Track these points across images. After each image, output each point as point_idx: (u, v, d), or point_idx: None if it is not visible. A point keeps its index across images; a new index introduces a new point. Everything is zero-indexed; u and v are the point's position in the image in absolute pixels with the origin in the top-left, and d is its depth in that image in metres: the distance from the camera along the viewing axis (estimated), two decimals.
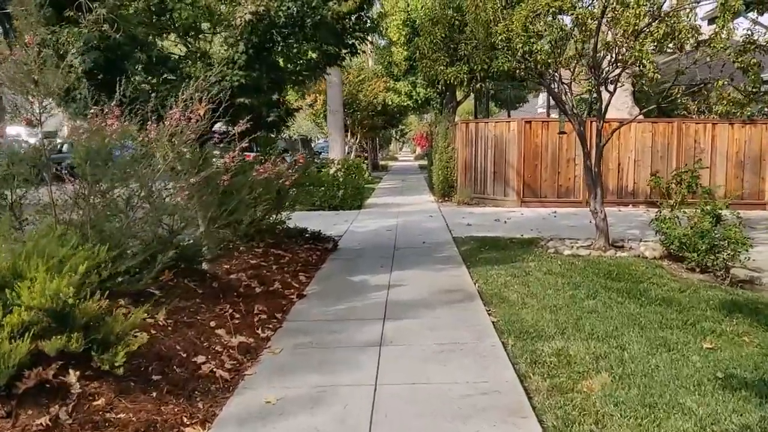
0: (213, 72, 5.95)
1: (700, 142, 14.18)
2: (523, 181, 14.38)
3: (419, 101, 26.52)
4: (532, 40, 7.39)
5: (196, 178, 5.28)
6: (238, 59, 6.01)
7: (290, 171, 6.30)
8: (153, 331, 4.41)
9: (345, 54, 7.00)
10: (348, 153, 24.21)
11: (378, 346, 4.75)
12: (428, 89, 26.41)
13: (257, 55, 6.11)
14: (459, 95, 30.68)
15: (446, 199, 16.08)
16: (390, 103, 26.24)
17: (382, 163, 43.53)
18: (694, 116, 15.28)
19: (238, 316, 5.27)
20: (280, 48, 6.40)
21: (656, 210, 14.13)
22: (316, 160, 20.79)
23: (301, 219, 12.81)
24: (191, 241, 5.77)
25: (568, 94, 9.09)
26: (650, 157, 14.26)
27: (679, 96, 9.25)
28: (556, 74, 8.48)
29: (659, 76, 7.55)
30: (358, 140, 26.05)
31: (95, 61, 4.80)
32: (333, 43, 6.61)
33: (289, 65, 6.66)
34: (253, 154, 16.47)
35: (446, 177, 16.01)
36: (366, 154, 35.91)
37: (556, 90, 8.81)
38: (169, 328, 4.58)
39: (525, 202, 14.38)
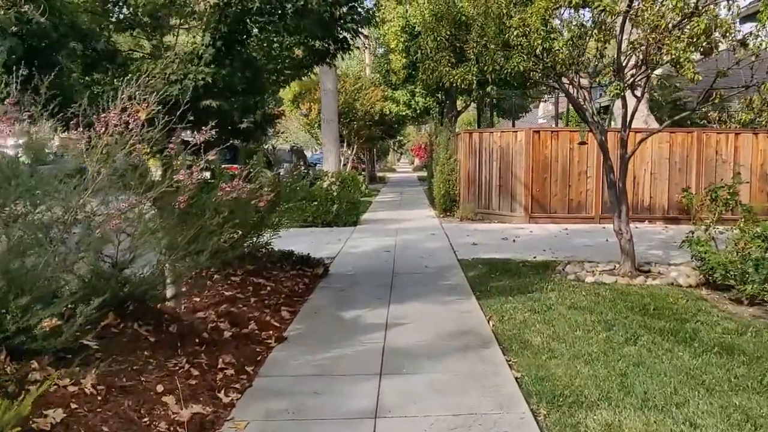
0: (171, 68, 4.92)
1: (721, 154, 13.16)
2: (531, 195, 13.33)
3: (418, 111, 25.54)
4: (552, 36, 6.36)
5: (141, 198, 4.22)
6: (203, 53, 4.96)
7: (268, 189, 5.20)
8: (74, 404, 3.34)
9: (335, 50, 5.97)
10: (344, 164, 23.19)
11: (373, 418, 3.67)
12: (428, 98, 25.46)
13: (227, 49, 5.07)
14: (459, 105, 29.78)
15: (448, 214, 15.02)
16: (388, 112, 25.25)
17: (379, 174, 42.56)
18: (714, 125, 14.30)
19: (196, 373, 4.18)
20: (256, 41, 5.37)
21: (672, 226, 13.26)
22: (309, 173, 19.77)
23: (291, 237, 11.73)
24: (148, 274, 4.69)
25: (588, 100, 8.08)
26: (668, 169, 13.23)
27: (701, 106, 8.25)
28: (576, 77, 7.45)
29: (700, 77, 6.51)
30: (354, 151, 25.03)
31: (11, 50, 3.76)
32: (320, 36, 5.58)
33: (268, 63, 5.61)
34: (242, 165, 15.45)
35: (448, 190, 14.97)
36: (363, 166, 34.94)
37: (575, 95, 7.77)
38: (99, 398, 3.50)
39: (533, 218, 13.33)
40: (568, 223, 13.12)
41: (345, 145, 22.77)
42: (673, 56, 6.28)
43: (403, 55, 23.79)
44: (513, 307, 6.17)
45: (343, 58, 6.35)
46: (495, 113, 22.77)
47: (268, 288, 6.71)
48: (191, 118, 4.71)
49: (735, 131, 12.98)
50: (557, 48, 6.43)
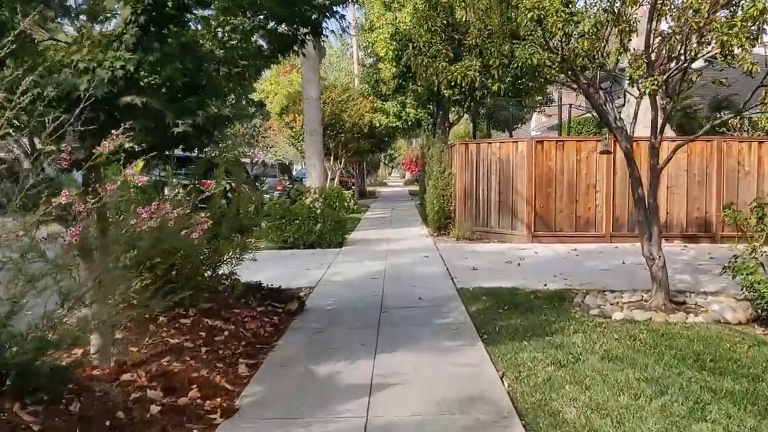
0: (80, 54, 3.65)
1: (744, 164, 11.97)
2: (534, 212, 12.09)
3: (409, 122, 24.34)
4: (575, 19, 5.15)
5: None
6: (125, 33, 3.69)
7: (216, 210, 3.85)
8: None
9: (304, 36, 4.73)
10: (331, 179, 21.93)
11: None
12: (419, 110, 24.28)
13: (158, 30, 3.80)
14: (451, 117, 28.63)
15: (443, 232, 13.76)
16: (377, 124, 24.04)
17: (370, 189, 41.33)
18: (735, 134, 13.18)
19: None
20: (198, 21, 4.14)
21: (692, 245, 12.06)
22: (295, 187, 18.49)
23: (267, 261, 10.45)
24: (32, 333, 3.38)
25: (608, 101, 6.87)
26: (686, 182, 12.03)
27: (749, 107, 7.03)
28: (598, 73, 6.24)
29: (758, 69, 5.30)
30: (342, 165, 23.77)
31: None
32: (284, 16, 4.35)
33: (218, 49, 4.35)
34: (213, 182, 14.14)
35: (442, 207, 13.72)
36: (353, 180, 33.70)
37: (595, 95, 6.55)
38: None
39: (537, 237, 12.08)
40: (576, 242, 11.88)
41: (332, 158, 21.52)
42: (726, 44, 5.06)
43: (393, 63, 22.63)
44: (531, 358, 4.89)
45: (316, 46, 5.10)
46: (489, 124, 21.61)
47: (226, 333, 5.40)
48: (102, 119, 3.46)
49: (759, 139, 11.84)
50: (582, 33, 5.21)
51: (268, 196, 17.89)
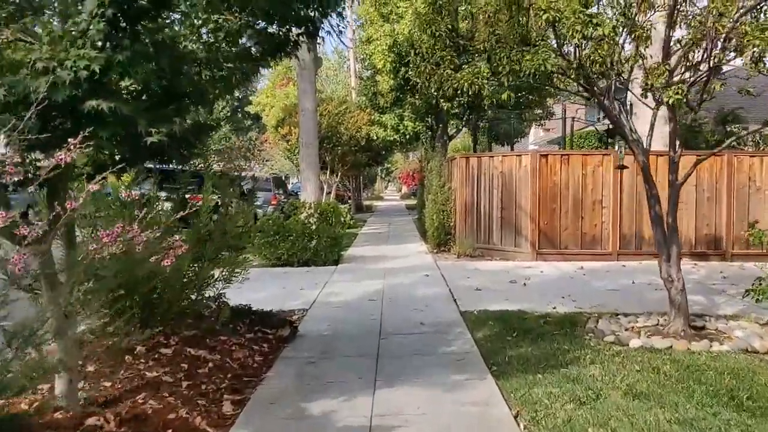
0: (38, 53, 3.20)
1: (755, 180, 11.55)
2: (538, 228, 11.63)
3: (407, 135, 23.96)
4: (594, 21, 4.71)
5: None
6: (92, 29, 3.24)
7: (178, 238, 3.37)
8: None
9: (297, 37, 4.28)
10: (327, 193, 21.47)
11: None
12: (417, 123, 23.89)
13: (129, 26, 3.35)
14: (450, 130, 28.24)
15: (442, 249, 13.28)
16: (375, 137, 23.63)
17: (366, 203, 40.90)
18: (746, 148, 12.78)
19: None
20: (178, 16, 3.69)
21: (702, 263, 11.58)
22: (290, 202, 18.00)
23: (260, 279, 9.95)
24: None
25: (623, 112, 6.44)
26: (695, 198, 11.60)
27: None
28: (615, 81, 5.81)
29: None
30: (339, 178, 23.32)
31: None
32: (275, 13, 3.91)
33: (200, 50, 3.90)
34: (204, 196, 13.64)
35: (442, 222, 13.25)
36: (350, 194, 33.27)
37: (610, 106, 6.12)
38: None
39: (541, 255, 11.61)
40: (582, 260, 11.42)
41: (328, 171, 21.07)
42: (758, 49, 4.63)
43: (391, 76, 22.25)
44: (547, 394, 4.41)
45: (311, 48, 4.67)
46: (490, 138, 21.25)
47: (210, 364, 4.90)
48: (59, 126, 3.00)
49: None
50: (600, 37, 4.77)
51: (261, 211, 17.42)
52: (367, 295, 8.42)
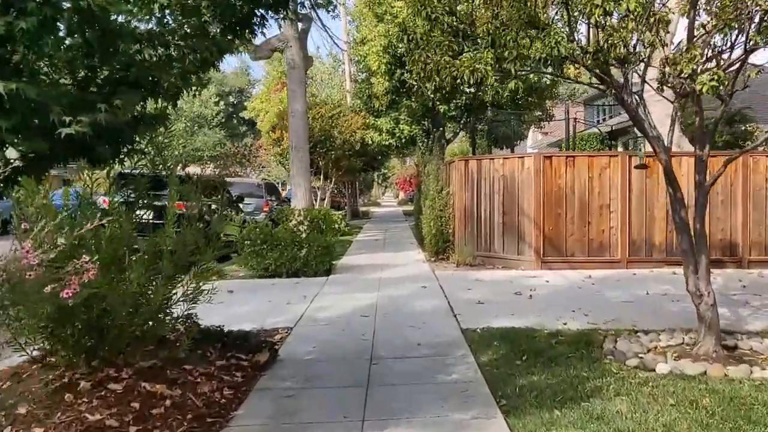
0: None
1: None
2: (542, 234, 10.91)
3: (403, 139, 23.28)
4: None
5: None
6: None
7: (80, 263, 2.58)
8: None
9: (267, 9, 3.56)
10: (322, 199, 20.75)
11: None
12: (413, 126, 23.21)
13: None
14: (447, 133, 27.54)
15: (441, 257, 12.55)
16: (370, 141, 22.94)
17: (363, 209, 40.16)
18: (762, 148, 12.09)
19: None
20: None
21: (717, 270, 10.78)
22: (282, 208, 17.26)
23: (245, 292, 9.22)
24: None
25: (642, 107, 5.74)
26: (708, 201, 10.85)
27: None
28: (635, 68, 5.11)
29: None
30: (333, 184, 22.60)
31: None
32: None
33: (142, 22, 3.17)
34: (188, 204, 12.88)
35: (440, 229, 12.53)
36: (345, 200, 32.57)
37: (628, 99, 5.41)
38: None
39: (546, 263, 10.88)
40: (589, 268, 10.70)
41: (322, 177, 20.35)
42: None
43: (386, 78, 21.57)
44: None
45: (280, 26, 3.92)
46: (490, 140, 20.59)
47: (168, 402, 4.15)
48: None
49: None
50: (625, 12, 4.06)
51: (252, 218, 16.67)
52: (359, 309, 7.69)
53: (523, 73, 5.00)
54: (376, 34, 20.83)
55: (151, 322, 4.49)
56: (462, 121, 24.76)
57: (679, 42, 5.68)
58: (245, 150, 47.21)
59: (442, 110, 22.55)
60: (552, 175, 10.91)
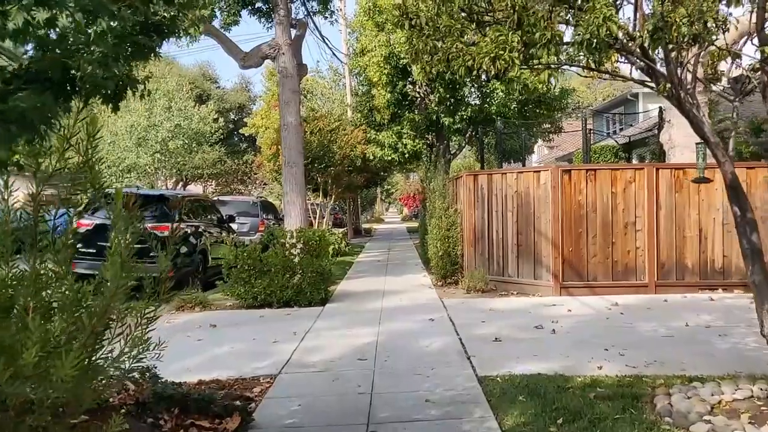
0: None
1: None
2: (561, 256, 9.82)
3: (406, 154, 22.25)
4: None
5: None
6: None
7: None
8: None
9: (166, 28, 2.57)
10: (321, 218, 19.70)
11: None
12: (416, 140, 22.20)
13: None
14: (452, 147, 26.53)
15: (449, 281, 11.47)
16: (372, 157, 21.92)
17: (366, 226, 39.14)
18: None
19: None
20: None
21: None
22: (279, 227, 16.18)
23: (227, 326, 8.11)
24: None
25: (696, 107, 4.67)
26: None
27: None
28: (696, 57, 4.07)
29: None
30: (332, 201, 21.56)
31: None
32: None
33: None
34: (177, 224, 11.86)
35: (447, 251, 11.45)
36: (345, 217, 31.57)
37: (685, 98, 4.35)
38: None
39: (566, 288, 9.79)
40: (614, 293, 9.60)
41: (321, 194, 19.32)
42: None
43: (388, 89, 20.64)
44: None
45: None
46: (500, 154, 19.53)
47: None
48: None
49: None
50: None
51: (248, 238, 15.60)
52: (357, 350, 6.59)
53: (555, 66, 3.93)
54: (377, 44, 19.92)
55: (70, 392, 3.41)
56: (467, 135, 23.77)
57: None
58: (246, 167, 46.29)
59: (446, 123, 21.56)
60: (571, 191, 9.84)
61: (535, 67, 3.85)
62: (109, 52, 2.63)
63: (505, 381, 5.30)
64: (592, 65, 4.09)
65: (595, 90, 73.67)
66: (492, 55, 3.48)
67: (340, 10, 26.39)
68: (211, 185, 50.94)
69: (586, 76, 4.51)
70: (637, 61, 4.22)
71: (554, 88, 21.99)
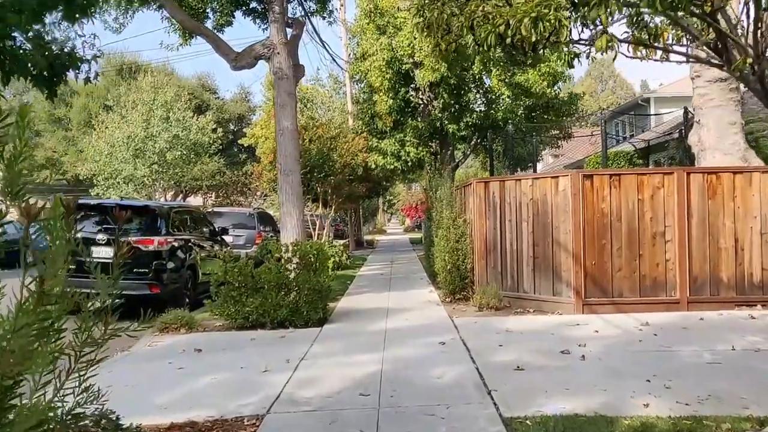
0: None
1: None
2: (583, 270, 8.92)
3: (409, 162, 21.44)
4: None
5: None
6: None
7: None
8: None
9: None
10: (320, 229, 18.81)
11: None
12: (420, 148, 21.38)
13: None
14: (457, 156, 25.68)
15: (458, 297, 10.57)
16: (373, 165, 21.08)
17: (368, 237, 38.24)
18: None
19: None
20: None
21: None
22: (269, 239, 15.30)
23: (213, 351, 7.23)
24: None
25: None
26: None
27: None
28: None
29: None
30: (334, 212, 20.68)
31: None
32: None
33: None
34: (164, 238, 10.98)
35: (456, 264, 10.56)
36: (347, 229, 30.70)
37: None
38: None
39: (589, 305, 8.89)
40: (641, 311, 8.70)
41: (321, 205, 18.45)
42: None
43: (390, 95, 19.85)
44: None
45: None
46: (508, 161, 18.75)
47: None
48: None
49: None
50: None
51: (244, 252, 14.71)
52: (357, 382, 5.69)
53: (608, 39, 3.05)
54: (378, 47, 19.14)
55: None
56: (472, 142, 22.94)
57: None
58: (245, 179, 45.45)
59: (450, 130, 20.74)
60: (594, 198, 8.96)
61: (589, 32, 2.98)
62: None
63: (537, 424, 4.40)
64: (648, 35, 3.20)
65: (598, 98, 73.00)
66: (533, 14, 2.61)
67: (340, 7, 25.61)
68: (210, 197, 50.16)
69: (635, 57, 3.63)
70: (705, 34, 3.35)
71: (559, 94, 21.20)
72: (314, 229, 18.43)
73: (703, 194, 8.93)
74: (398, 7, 19.21)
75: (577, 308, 8.88)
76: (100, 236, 10.02)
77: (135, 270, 9.93)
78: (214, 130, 38.38)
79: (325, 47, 29.47)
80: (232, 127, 52.39)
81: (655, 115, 20.77)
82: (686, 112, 13.09)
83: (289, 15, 12.09)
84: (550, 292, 9.23)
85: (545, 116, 21.50)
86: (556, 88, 20.93)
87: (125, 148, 30.33)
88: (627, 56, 3.88)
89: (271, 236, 18.16)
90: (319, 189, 17.47)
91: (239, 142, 45.24)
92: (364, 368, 6.17)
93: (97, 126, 31.27)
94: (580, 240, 8.92)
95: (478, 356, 6.49)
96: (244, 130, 45.48)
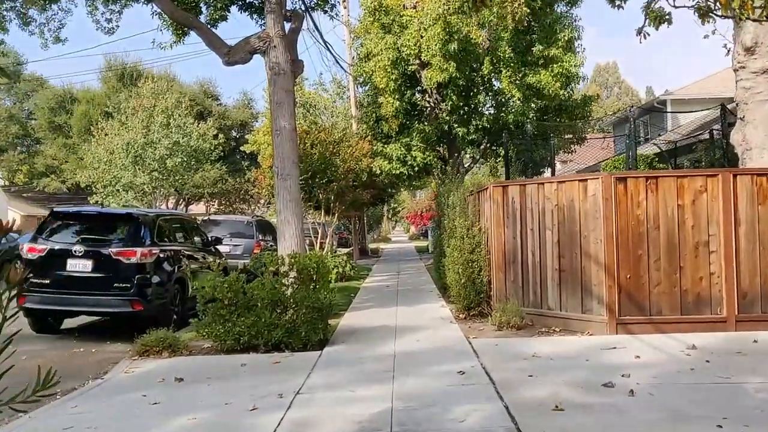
0: None
1: None
2: (617, 285, 7.90)
3: (416, 167, 20.48)
4: None
5: None
6: None
7: None
8: None
9: None
10: (323, 238, 17.82)
11: None
12: (427, 153, 20.42)
13: None
14: (465, 161, 24.71)
15: (473, 314, 9.56)
16: (378, 171, 20.10)
17: (372, 246, 37.25)
18: None
19: None
20: None
21: None
22: (269, 249, 14.32)
23: (196, 381, 6.26)
24: None
25: None
26: None
27: None
28: None
29: None
30: (337, 220, 19.69)
31: None
32: None
33: None
34: (148, 249, 9.99)
35: (471, 277, 9.56)
36: (351, 237, 29.71)
37: None
38: None
39: (623, 325, 7.86)
40: (684, 330, 7.68)
41: (323, 212, 17.46)
42: None
43: (396, 97, 18.90)
44: None
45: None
46: (523, 166, 17.81)
47: None
48: None
49: None
50: None
51: (241, 263, 13.70)
52: (364, 425, 4.68)
53: None
54: (383, 46, 18.19)
55: None
56: (482, 147, 21.97)
57: None
58: (248, 186, 44.53)
59: (459, 134, 19.79)
60: (628, 204, 7.95)
61: None
62: None
63: None
64: None
65: (603, 104, 72.11)
66: None
67: (342, 2, 24.67)
68: (213, 204, 49.24)
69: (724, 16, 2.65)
70: None
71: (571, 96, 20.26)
72: (316, 238, 17.46)
73: (752, 198, 7.91)
74: (404, 5, 18.31)
75: (610, 328, 7.85)
76: (77, 248, 9.06)
77: (115, 285, 8.97)
78: (215, 137, 37.47)
79: (326, 46, 28.56)
80: (234, 134, 51.60)
81: (682, 112, 19.75)
82: (723, 108, 12.08)
83: (288, 8, 11.17)
84: (579, 309, 8.20)
85: (557, 119, 20.55)
86: (569, 89, 20.01)
87: (124, 155, 29.48)
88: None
89: (271, 246, 17.18)
90: (321, 195, 16.45)
91: (241, 149, 44.46)
92: (371, 406, 5.15)
93: (97, 133, 30.45)
94: (613, 251, 7.90)
95: (506, 390, 5.47)
96: (247, 136, 44.65)
